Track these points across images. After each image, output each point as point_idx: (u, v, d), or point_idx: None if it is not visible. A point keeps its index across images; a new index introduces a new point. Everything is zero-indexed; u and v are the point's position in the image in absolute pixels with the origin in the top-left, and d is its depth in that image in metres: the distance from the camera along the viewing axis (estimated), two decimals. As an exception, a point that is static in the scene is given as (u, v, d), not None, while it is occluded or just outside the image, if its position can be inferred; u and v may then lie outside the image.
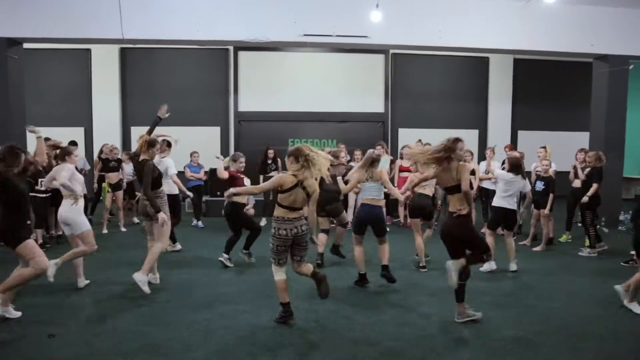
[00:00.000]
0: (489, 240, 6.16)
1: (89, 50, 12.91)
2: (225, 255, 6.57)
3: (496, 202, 6.47)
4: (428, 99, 14.13)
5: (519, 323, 4.60)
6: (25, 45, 11.79)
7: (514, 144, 12.18)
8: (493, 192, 9.11)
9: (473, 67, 14.37)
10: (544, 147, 8.26)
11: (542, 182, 7.62)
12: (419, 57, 13.95)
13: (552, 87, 14.55)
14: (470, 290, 5.39)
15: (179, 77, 13.25)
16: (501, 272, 6.30)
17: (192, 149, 10.02)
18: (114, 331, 4.31)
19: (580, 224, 8.78)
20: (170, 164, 7.47)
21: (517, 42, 9.84)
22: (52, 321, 4.50)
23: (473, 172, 9.02)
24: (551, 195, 7.50)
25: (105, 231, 8.82)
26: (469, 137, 13.88)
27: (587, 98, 10.86)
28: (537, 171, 8.13)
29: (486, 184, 9.09)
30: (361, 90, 13.71)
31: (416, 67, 14.09)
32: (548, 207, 7.52)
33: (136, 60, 13.20)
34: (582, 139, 13.86)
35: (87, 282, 5.66)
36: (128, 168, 9.50)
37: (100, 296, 5.28)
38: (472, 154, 9.26)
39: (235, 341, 4.13)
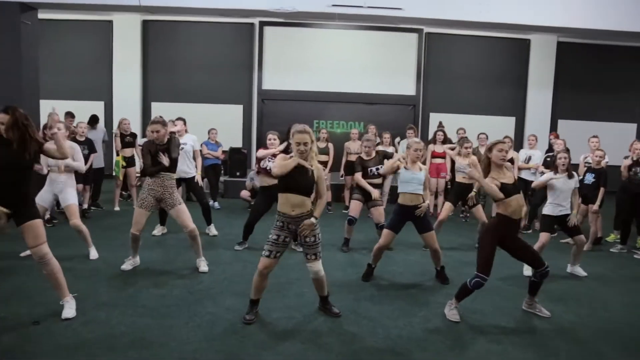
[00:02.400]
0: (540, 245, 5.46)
1: (110, 22, 12.48)
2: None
3: (546, 209, 5.64)
4: (463, 83, 13.28)
5: (572, 333, 3.94)
6: (48, 16, 11.53)
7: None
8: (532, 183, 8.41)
9: (513, 50, 13.42)
10: (596, 137, 7.44)
11: (593, 175, 6.83)
12: (454, 38, 13.11)
13: (598, 73, 13.48)
14: (516, 295, 4.74)
15: (202, 52, 12.72)
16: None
17: (212, 126, 9.50)
18: (106, 321, 3.83)
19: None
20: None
21: (564, 19, 8.94)
22: (38, 305, 4.04)
23: (512, 161, 8.28)
24: (602, 190, 6.72)
25: (117, 208, 8.42)
26: (506, 125, 13.11)
27: (638, 86, 9.91)
28: (586, 162, 7.36)
29: (525, 175, 8.33)
30: (392, 71, 12.94)
31: (451, 48, 13.23)
32: (598, 202, 6.75)
33: (158, 33, 12.72)
34: (629, 130, 12.94)
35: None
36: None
37: (98, 279, 4.83)
38: (512, 140, 8.52)
39: (239, 341, 3.59)
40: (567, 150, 8.08)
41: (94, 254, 5.55)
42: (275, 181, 5.88)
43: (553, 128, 13.18)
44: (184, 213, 5.11)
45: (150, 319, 3.89)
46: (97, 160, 8.22)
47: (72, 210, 5.41)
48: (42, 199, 5.40)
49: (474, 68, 13.33)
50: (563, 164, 5.47)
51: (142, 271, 5.14)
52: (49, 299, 4.06)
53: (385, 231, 5.09)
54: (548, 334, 3.93)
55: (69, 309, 3.87)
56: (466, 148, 6.72)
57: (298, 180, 3.80)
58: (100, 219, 7.71)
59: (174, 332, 3.67)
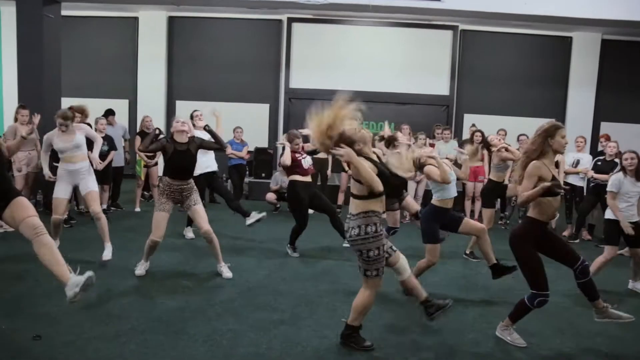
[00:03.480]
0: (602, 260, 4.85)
1: (136, 18, 12.25)
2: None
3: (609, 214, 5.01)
4: (499, 83, 12.57)
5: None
6: (73, 13, 11.37)
7: (595, 137, 10.62)
8: (581, 190, 7.78)
9: (553, 48, 12.66)
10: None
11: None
12: (491, 35, 12.43)
13: (646, 73, 12.66)
14: (575, 315, 4.13)
15: (228, 50, 12.37)
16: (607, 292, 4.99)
17: (237, 125, 9.10)
18: (114, 337, 3.41)
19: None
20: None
21: (610, 11, 8.31)
22: (41, 317, 3.64)
23: (557, 165, 7.65)
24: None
25: (138, 209, 8.08)
26: (545, 127, 12.38)
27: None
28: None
29: (573, 180, 7.70)
30: (425, 70, 12.34)
31: (488, 47, 12.54)
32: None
33: (184, 30, 12.42)
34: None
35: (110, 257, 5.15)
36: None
37: (111, 286, 4.41)
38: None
39: (265, 365, 3.14)
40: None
41: (107, 253, 5.15)
42: (307, 178, 5.51)
43: (595, 131, 12.39)
44: (198, 213, 4.78)
45: (164, 336, 3.45)
46: (117, 159, 7.90)
47: (93, 197, 5.17)
48: (62, 191, 5.12)
49: (511, 67, 12.62)
50: (630, 165, 4.81)
51: (158, 278, 4.73)
52: (53, 309, 3.67)
53: (432, 247, 4.51)
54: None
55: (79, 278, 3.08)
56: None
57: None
58: (119, 220, 7.36)
59: (189, 352, 3.23)
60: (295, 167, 5.58)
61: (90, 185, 5.24)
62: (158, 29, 12.23)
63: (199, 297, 4.25)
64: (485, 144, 7.25)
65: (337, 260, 5.56)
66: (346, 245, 5.63)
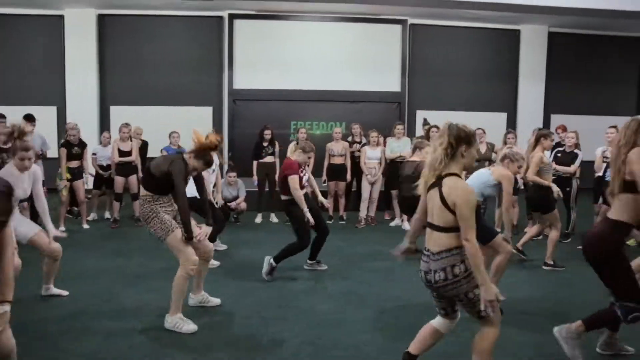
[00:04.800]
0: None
1: (61, 16, 11.20)
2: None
3: None
4: (450, 77, 12.40)
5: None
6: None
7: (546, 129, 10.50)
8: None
9: (502, 42, 12.64)
10: (614, 127, 6.52)
11: (615, 171, 5.87)
12: (441, 29, 12.27)
13: (592, 65, 12.81)
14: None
15: (166, 50, 11.55)
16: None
17: (174, 129, 8.27)
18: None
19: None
20: None
21: None
22: None
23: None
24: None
25: (62, 228, 7.12)
26: (497, 121, 12.24)
27: (634, 78, 9.15)
28: (606, 157, 6.42)
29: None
30: (374, 66, 11.96)
31: (438, 41, 12.34)
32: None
33: (117, 29, 11.50)
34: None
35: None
36: (104, 152, 7.94)
37: (42, 324, 3.58)
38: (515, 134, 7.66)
39: None
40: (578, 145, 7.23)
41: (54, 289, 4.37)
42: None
43: (546, 123, 12.41)
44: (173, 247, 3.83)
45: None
46: (35, 172, 6.97)
47: (42, 238, 4.12)
48: (29, 226, 4.14)
49: (462, 62, 12.48)
50: None
51: (73, 310, 3.94)
52: None
53: (495, 241, 4.08)
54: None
55: None
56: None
57: None
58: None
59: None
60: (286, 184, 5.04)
61: (32, 228, 4.16)
62: (87, 28, 11.27)
63: (120, 335, 3.52)
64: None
65: (308, 281, 4.90)
66: (307, 267, 5.23)
